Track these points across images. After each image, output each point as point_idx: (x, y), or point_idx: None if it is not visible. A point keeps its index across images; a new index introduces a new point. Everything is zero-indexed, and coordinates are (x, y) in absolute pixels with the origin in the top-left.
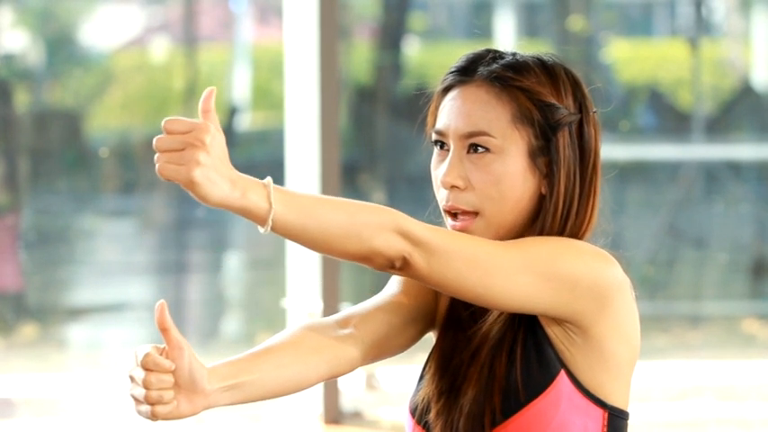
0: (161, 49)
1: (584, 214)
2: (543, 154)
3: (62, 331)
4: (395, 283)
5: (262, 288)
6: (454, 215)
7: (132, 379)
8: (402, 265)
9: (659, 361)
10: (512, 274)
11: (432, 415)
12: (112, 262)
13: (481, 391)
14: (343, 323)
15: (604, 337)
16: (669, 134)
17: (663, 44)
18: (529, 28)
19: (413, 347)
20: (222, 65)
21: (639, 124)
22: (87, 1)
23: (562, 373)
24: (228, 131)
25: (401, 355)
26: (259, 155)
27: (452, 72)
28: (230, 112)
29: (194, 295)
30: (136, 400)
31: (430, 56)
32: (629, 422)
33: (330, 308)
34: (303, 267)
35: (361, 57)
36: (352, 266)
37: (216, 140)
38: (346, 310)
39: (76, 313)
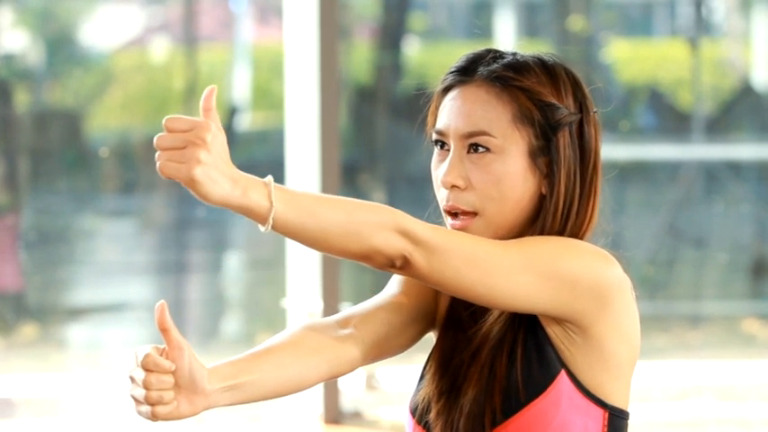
0: (161, 49)
1: (585, 214)
2: (543, 154)
3: (62, 331)
4: (395, 284)
5: (262, 288)
6: (454, 215)
7: (132, 379)
8: (402, 264)
9: (659, 361)
10: (512, 274)
11: (432, 415)
12: (112, 262)
13: (481, 390)
14: (344, 323)
15: (604, 337)
16: (669, 134)
17: (663, 44)
18: (529, 28)
19: (413, 347)
20: (222, 65)
21: (639, 124)
22: (87, 1)
23: (562, 372)
24: (228, 131)
25: (401, 355)
26: (259, 155)
27: (453, 72)
28: (230, 112)
29: (194, 295)
30: (136, 400)
31: (430, 56)
32: (630, 422)
33: (330, 308)
34: (303, 267)
35: (361, 57)
36: (352, 266)
37: (217, 139)
38: (346, 310)
39: (76, 313)
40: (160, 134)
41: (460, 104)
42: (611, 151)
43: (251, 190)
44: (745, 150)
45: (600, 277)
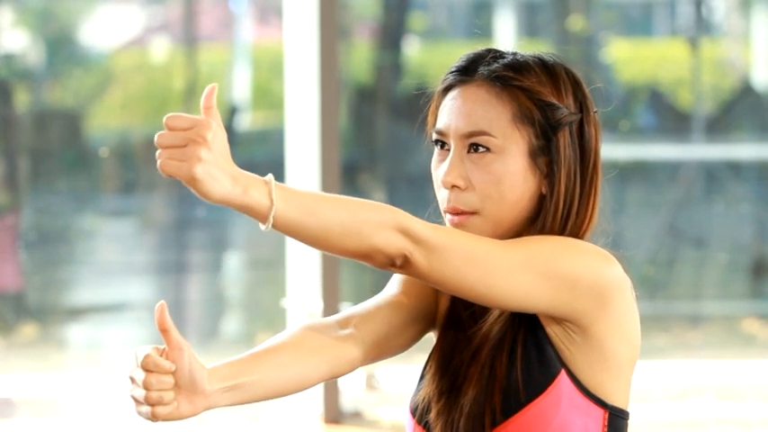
0: (161, 49)
1: (585, 214)
2: (544, 154)
3: (62, 331)
4: (395, 284)
5: (262, 288)
6: (454, 214)
7: (132, 380)
8: (403, 263)
9: (659, 361)
10: (512, 273)
11: (432, 415)
12: (112, 262)
13: (482, 390)
14: (344, 323)
15: (604, 337)
16: (669, 134)
17: (663, 44)
18: (529, 28)
19: (413, 347)
20: (222, 65)
21: (639, 124)
22: (87, 1)
23: (562, 372)
24: (228, 131)
25: (401, 355)
26: (259, 155)
27: (453, 72)
28: (230, 112)
29: (194, 295)
30: (136, 401)
31: (430, 56)
32: (630, 422)
33: (330, 308)
34: (303, 267)
35: (361, 57)
36: (352, 266)
37: (217, 137)
38: (347, 310)
39: (76, 313)
40: (161, 132)
41: (461, 104)
42: (611, 151)
43: (251, 188)
44: (745, 150)
45: (600, 277)
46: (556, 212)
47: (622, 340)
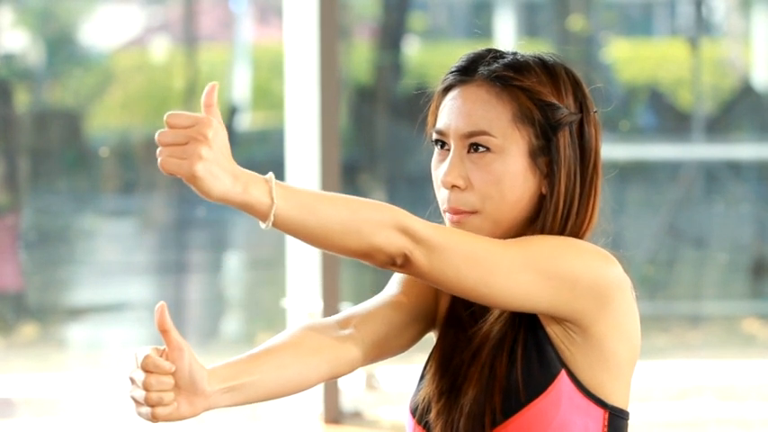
0: (161, 49)
1: (585, 214)
2: (544, 154)
3: (62, 331)
4: (395, 284)
5: (262, 288)
6: (454, 214)
7: (132, 381)
8: (403, 263)
9: (659, 361)
10: (512, 273)
11: (432, 415)
12: (112, 262)
13: (482, 390)
14: (344, 323)
15: (604, 337)
16: (669, 134)
17: (663, 44)
18: (529, 28)
19: (413, 347)
20: (222, 65)
21: (639, 124)
22: (87, 1)
23: (562, 372)
24: (228, 131)
25: (401, 355)
26: (259, 155)
27: (453, 72)
28: (230, 112)
29: (194, 295)
30: (136, 401)
31: (430, 56)
32: (630, 422)
33: (330, 308)
34: (303, 267)
35: (361, 57)
36: (352, 266)
37: (218, 135)
38: (347, 310)
39: (76, 313)
40: (162, 130)
41: (461, 104)
42: (611, 151)
43: (252, 186)
44: (745, 150)
45: (600, 277)
46: (556, 212)
47: (622, 340)
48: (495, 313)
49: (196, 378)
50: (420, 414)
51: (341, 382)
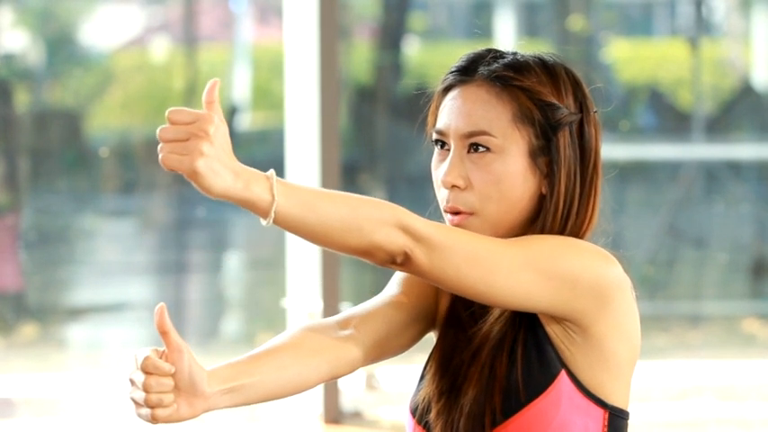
0: (161, 49)
1: (585, 214)
2: (544, 154)
3: (62, 331)
4: (395, 284)
5: (262, 288)
6: (454, 214)
7: (132, 382)
8: (403, 261)
9: (659, 361)
10: (513, 272)
11: (432, 415)
12: (112, 262)
13: (482, 390)
14: (344, 324)
15: (604, 337)
16: (669, 134)
17: (663, 44)
18: (529, 28)
19: (413, 347)
20: (222, 65)
21: (639, 124)
22: (87, 1)
23: (562, 372)
24: (228, 131)
25: (401, 355)
26: (259, 155)
27: (453, 72)
28: (230, 112)
29: (194, 295)
30: (136, 403)
31: (430, 56)
32: (630, 422)
33: (330, 308)
34: (303, 267)
35: (361, 57)
36: (352, 266)
37: (219, 131)
38: (347, 310)
39: (76, 313)
40: (163, 126)
41: (461, 104)
42: (611, 151)
43: (253, 183)
44: (745, 150)
45: (600, 276)
46: (556, 212)
47: (622, 340)
48: (495, 313)
49: (196, 379)
50: (420, 414)
51: (341, 382)
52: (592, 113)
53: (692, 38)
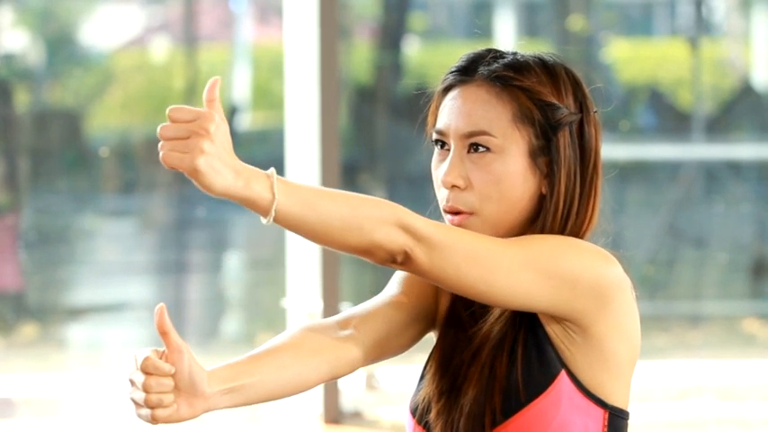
0: (161, 49)
1: (585, 214)
2: (544, 154)
3: (62, 331)
4: (395, 284)
5: (262, 288)
6: (454, 214)
7: (132, 383)
8: (403, 260)
9: (659, 361)
10: (513, 272)
11: (432, 415)
12: (112, 262)
13: (482, 391)
14: (344, 324)
15: (604, 337)
16: (669, 134)
17: (663, 44)
18: (529, 28)
19: (413, 348)
20: (222, 65)
21: (639, 124)
22: (87, 1)
23: (562, 372)
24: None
25: (401, 354)
26: (259, 155)
27: (453, 72)
28: (230, 112)
29: (194, 295)
30: (136, 403)
31: (430, 56)
32: (630, 422)
33: (330, 308)
34: (303, 267)
35: (361, 57)
36: (352, 266)
37: (220, 129)
38: (347, 310)
39: (76, 313)
40: (164, 124)
41: (461, 104)
42: (611, 151)
43: (253, 181)
44: (745, 150)
45: (600, 276)
46: (556, 212)
47: (622, 340)
48: (496, 313)
49: (196, 380)
50: (420, 414)
51: (341, 382)
52: (592, 113)
53: (692, 38)
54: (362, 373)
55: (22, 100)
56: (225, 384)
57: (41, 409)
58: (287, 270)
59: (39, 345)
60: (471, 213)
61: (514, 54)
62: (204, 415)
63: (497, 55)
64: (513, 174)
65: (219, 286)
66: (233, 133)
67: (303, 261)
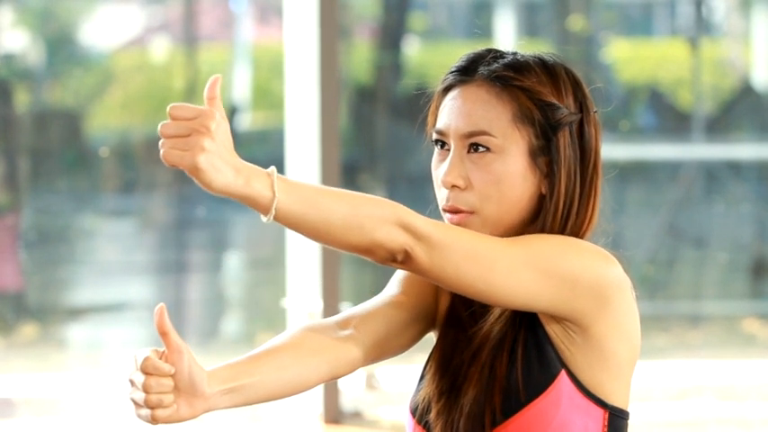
0: (161, 49)
1: (585, 214)
2: (544, 154)
3: (62, 331)
4: (395, 284)
5: (262, 288)
6: (453, 213)
7: (132, 383)
8: (404, 259)
9: (659, 361)
10: (513, 271)
11: (432, 415)
12: (112, 262)
13: (482, 391)
14: (344, 324)
15: (604, 336)
16: (669, 134)
17: (663, 44)
18: (529, 28)
19: (413, 347)
20: (222, 65)
21: (639, 124)
22: (87, 1)
23: (562, 372)
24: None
25: (401, 354)
26: (259, 154)
27: (453, 72)
28: (230, 112)
29: (194, 295)
30: (136, 404)
31: (430, 56)
32: (630, 422)
33: (330, 308)
34: (303, 267)
35: (361, 57)
36: (352, 266)
37: (221, 127)
38: (347, 310)
39: (76, 313)
40: (164, 122)
41: (461, 104)
42: (611, 151)
43: (254, 179)
44: (745, 150)
45: (600, 276)
46: (556, 212)
47: (622, 340)
48: (496, 313)
49: (195, 380)
50: (420, 414)
51: (341, 382)
52: (592, 113)
53: (692, 38)
54: (362, 373)
55: (22, 100)
56: (225, 384)
57: (41, 409)
58: (287, 270)
59: (39, 345)
60: (471, 212)
61: (514, 54)
62: (204, 415)
63: (497, 55)
64: (513, 174)
65: (219, 286)
66: (233, 133)
67: (303, 261)
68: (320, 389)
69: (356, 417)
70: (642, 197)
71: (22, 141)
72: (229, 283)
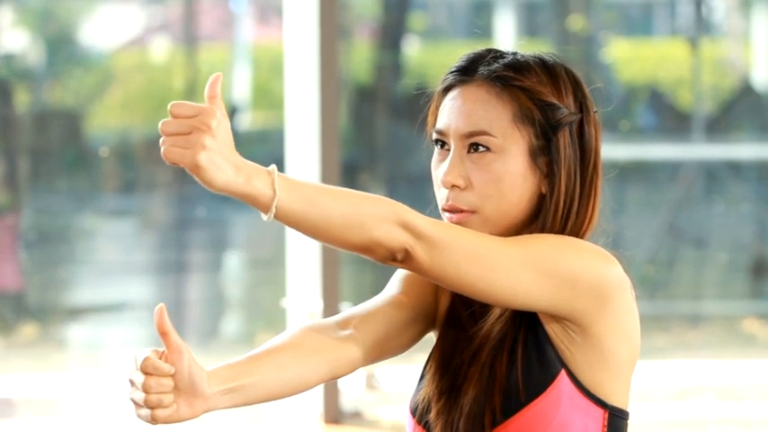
0: (161, 49)
1: (585, 214)
2: (544, 153)
3: (62, 331)
4: (395, 284)
5: (262, 288)
6: (453, 213)
7: (132, 383)
8: (404, 258)
9: (659, 361)
10: (513, 271)
11: (432, 415)
12: (112, 262)
13: (482, 390)
14: (344, 324)
15: (604, 336)
16: (669, 134)
17: (663, 44)
18: (529, 28)
19: (413, 347)
20: (222, 65)
21: (639, 124)
22: (87, 1)
23: (562, 372)
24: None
25: (401, 354)
26: (259, 154)
27: (453, 72)
28: (230, 112)
29: (194, 295)
30: (136, 404)
31: (430, 56)
32: (630, 422)
33: (330, 308)
34: (303, 267)
35: (361, 57)
36: (352, 266)
37: (221, 125)
38: (347, 310)
39: (76, 313)
40: (165, 120)
41: (461, 104)
42: (611, 151)
43: (254, 178)
44: (745, 150)
45: (600, 276)
46: (556, 212)
47: (622, 340)
48: (496, 313)
49: (195, 380)
50: (420, 414)
51: (341, 382)
52: (592, 113)
53: (692, 38)
54: (362, 373)
55: (22, 100)
56: (225, 384)
57: (41, 409)
58: (287, 270)
59: (39, 345)
60: (472, 212)
61: (514, 54)
62: (204, 415)
63: (497, 55)
64: (513, 173)
65: (219, 286)
66: (233, 133)
67: (303, 261)
68: (320, 389)
69: (356, 417)
70: (642, 197)
71: (22, 141)
72: (229, 283)
